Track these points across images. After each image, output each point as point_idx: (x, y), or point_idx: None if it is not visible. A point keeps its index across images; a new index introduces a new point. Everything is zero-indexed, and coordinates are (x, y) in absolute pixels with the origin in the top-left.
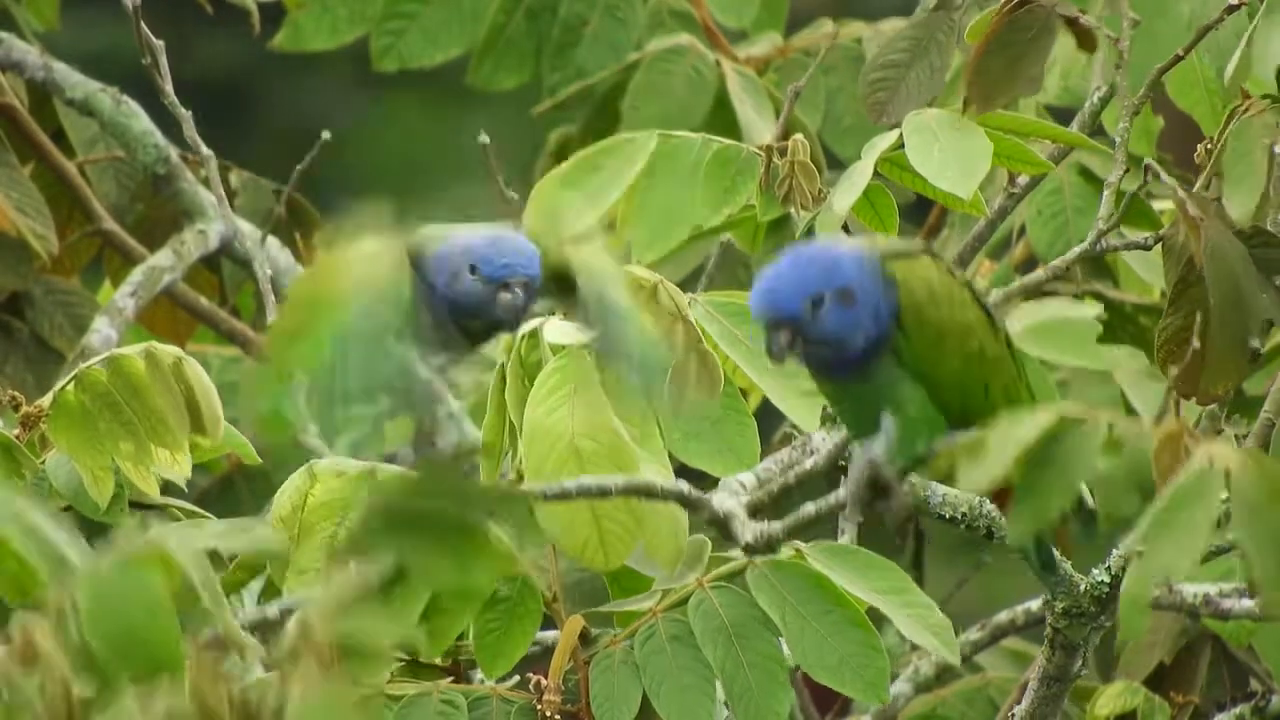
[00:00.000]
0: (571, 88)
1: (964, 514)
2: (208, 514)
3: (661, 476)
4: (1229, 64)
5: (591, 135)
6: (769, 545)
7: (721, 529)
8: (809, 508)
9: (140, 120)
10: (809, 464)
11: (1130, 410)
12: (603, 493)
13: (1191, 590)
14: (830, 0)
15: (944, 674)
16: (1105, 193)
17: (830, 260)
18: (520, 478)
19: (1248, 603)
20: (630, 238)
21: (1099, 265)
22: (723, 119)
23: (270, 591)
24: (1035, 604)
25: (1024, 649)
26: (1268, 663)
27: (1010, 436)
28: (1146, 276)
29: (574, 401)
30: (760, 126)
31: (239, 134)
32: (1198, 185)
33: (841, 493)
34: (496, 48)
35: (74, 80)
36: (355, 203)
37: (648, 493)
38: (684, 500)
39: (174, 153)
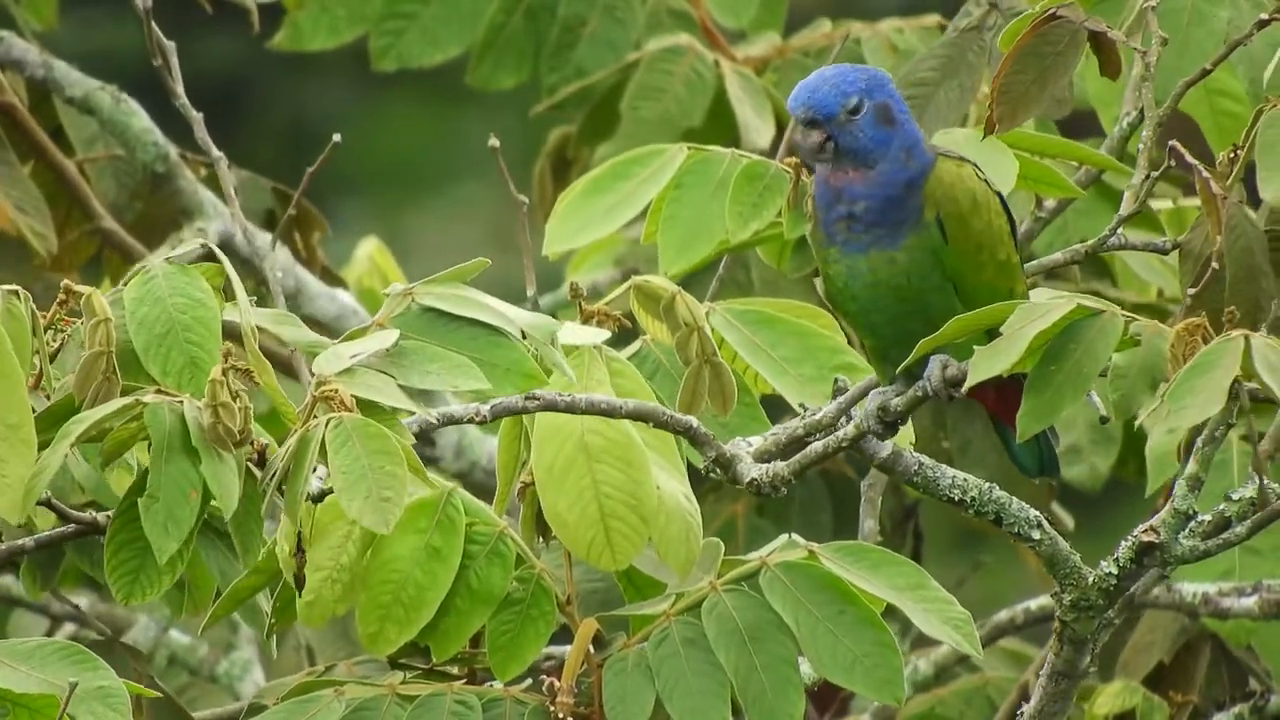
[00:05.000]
0: (570, 88)
1: (973, 498)
2: None
3: (676, 480)
4: (1266, 71)
5: (590, 135)
6: (774, 484)
7: (725, 469)
8: (815, 446)
9: (139, 118)
10: (819, 415)
11: None
12: (611, 411)
13: (1191, 590)
14: (830, 0)
15: (943, 673)
16: (1126, 193)
17: (879, 74)
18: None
19: (1247, 602)
20: (658, 249)
21: (1099, 265)
22: (721, 119)
23: (285, 594)
24: (1034, 603)
25: (1022, 649)
26: (1267, 663)
27: (1027, 324)
28: (1146, 277)
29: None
30: (759, 127)
31: (238, 133)
32: (1230, 182)
33: (843, 433)
34: (495, 48)
35: (73, 78)
36: (354, 202)
37: (656, 420)
38: (691, 434)
39: (173, 151)
